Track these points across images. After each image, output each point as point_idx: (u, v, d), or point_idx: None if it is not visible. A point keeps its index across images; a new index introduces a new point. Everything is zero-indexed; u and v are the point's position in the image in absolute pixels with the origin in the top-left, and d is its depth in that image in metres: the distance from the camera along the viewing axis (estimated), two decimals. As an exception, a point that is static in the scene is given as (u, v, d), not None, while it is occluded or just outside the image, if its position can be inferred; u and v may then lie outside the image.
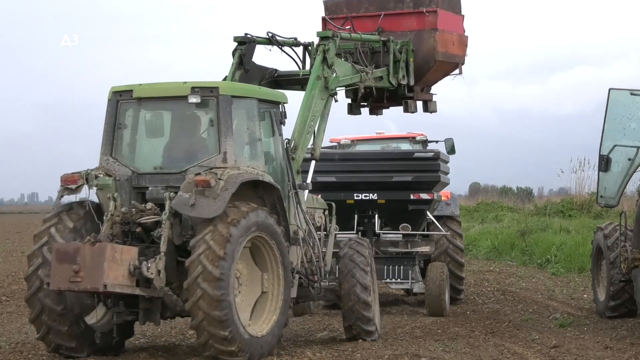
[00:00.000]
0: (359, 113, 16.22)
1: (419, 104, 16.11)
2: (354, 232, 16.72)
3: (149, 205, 11.96)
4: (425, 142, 19.16)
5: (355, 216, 16.87)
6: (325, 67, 13.80)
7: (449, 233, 17.79)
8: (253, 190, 12.15)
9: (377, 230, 16.75)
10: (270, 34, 14.33)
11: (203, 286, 11.18)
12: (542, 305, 17.73)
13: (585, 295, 18.82)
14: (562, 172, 35.25)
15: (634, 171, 15.21)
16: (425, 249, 17.17)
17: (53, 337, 11.87)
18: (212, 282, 11.18)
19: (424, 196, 16.61)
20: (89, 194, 12.13)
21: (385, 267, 16.66)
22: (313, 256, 13.37)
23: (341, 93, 15.22)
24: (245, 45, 14.14)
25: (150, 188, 12.06)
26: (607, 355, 12.67)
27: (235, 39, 14.18)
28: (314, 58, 13.98)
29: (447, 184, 17.73)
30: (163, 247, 11.54)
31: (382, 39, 15.39)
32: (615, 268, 15.36)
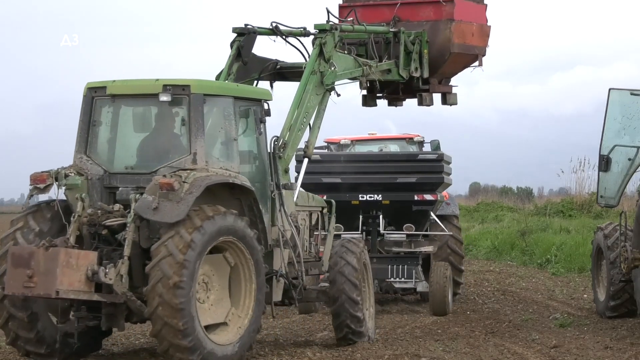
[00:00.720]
0: (374, 105, 15.88)
1: (437, 96, 15.70)
2: (359, 232, 16.89)
3: (117, 206, 11.47)
4: (421, 143, 19.33)
5: (360, 216, 17.03)
6: (322, 61, 13.42)
7: (451, 233, 17.93)
8: (229, 191, 11.75)
9: (381, 230, 16.88)
10: (274, 24, 13.89)
11: (162, 293, 10.69)
12: (542, 305, 17.73)
13: (585, 295, 18.82)
14: (562, 172, 35.28)
15: (634, 171, 15.21)
16: (428, 248, 17.43)
17: (22, 343, 11.54)
18: (171, 289, 10.68)
19: (428, 197, 16.94)
20: (57, 193, 11.69)
21: (390, 266, 16.84)
22: (294, 259, 12.85)
23: (354, 85, 14.86)
24: (244, 36, 13.75)
25: (120, 188, 11.61)
26: (607, 355, 12.67)
27: (234, 30, 13.81)
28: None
29: (450, 184, 17.95)
30: (127, 250, 11.06)
31: (391, 29, 14.95)
32: (615, 268, 15.36)
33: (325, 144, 20.11)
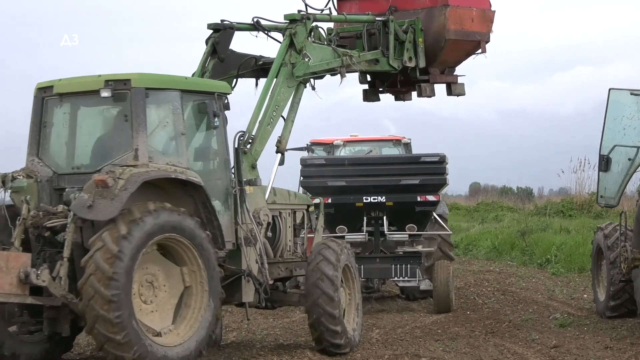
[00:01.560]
0: (377, 99, 15.28)
1: (441, 87, 15.00)
2: (363, 233, 17.22)
3: (61, 207, 11.16)
4: (408, 145, 19.75)
5: (364, 218, 17.27)
6: (293, 52, 12.93)
7: (452, 232, 18.27)
8: (182, 189, 11.37)
9: (385, 231, 17.16)
10: (255, 19, 13.38)
11: (95, 286, 10.32)
12: (542, 305, 17.73)
13: (585, 295, 18.82)
14: (563, 172, 35.27)
15: (634, 171, 15.20)
16: (429, 248, 17.79)
17: None
18: (104, 281, 10.30)
19: (431, 198, 17.18)
20: (4, 197, 11.47)
21: (393, 265, 17.12)
22: (258, 259, 12.25)
23: (352, 79, 14.47)
24: (219, 32, 13.27)
25: (67, 189, 11.30)
26: (607, 355, 12.67)
27: (209, 26, 13.32)
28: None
29: (448, 185, 18.21)
30: (66, 252, 10.74)
31: (378, 19, 14.31)
32: (615, 268, 15.35)
33: (307, 145, 20.48)
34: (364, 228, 17.25)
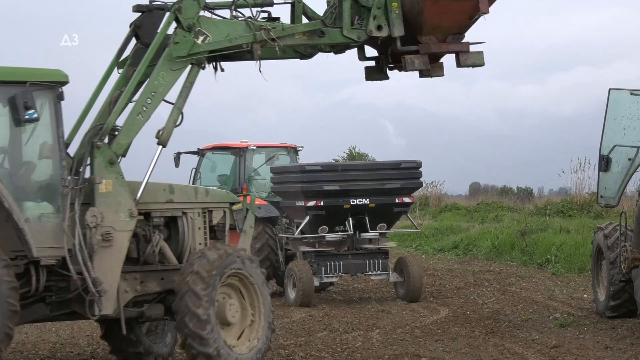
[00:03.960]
0: (382, 78, 12.83)
1: (448, 60, 12.58)
2: (350, 231, 18.65)
3: None
4: (296, 151, 21.39)
5: (350, 219, 18.63)
6: (181, 30, 11.25)
7: (419, 230, 20.69)
8: None
9: (368, 230, 18.68)
10: None
11: None
12: (542, 305, 17.73)
13: (585, 295, 18.82)
14: (563, 172, 35.25)
15: (634, 171, 15.19)
16: (392, 244, 20.10)
17: None
18: None
19: (406, 199, 19.01)
20: None
21: (367, 261, 18.82)
22: (84, 269, 10.54)
23: (350, 56, 12.44)
24: (143, 14, 11.64)
25: None
26: (607, 355, 12.67)
27: (134, 8, 11.67)
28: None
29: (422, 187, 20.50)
30: None
31: None
32: (615, 268, 15.35)
33: (198, 149, 21.73)
34: (349, 227, 18.61)
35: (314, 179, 18.41)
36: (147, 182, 11.17)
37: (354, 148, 53.43)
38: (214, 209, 12.03)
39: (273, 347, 13.51)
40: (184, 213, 11.68)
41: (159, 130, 11.16)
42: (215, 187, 18.63)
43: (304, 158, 21.36)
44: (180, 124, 11.31)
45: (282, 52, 12.04)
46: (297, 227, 18.60)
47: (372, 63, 12.74)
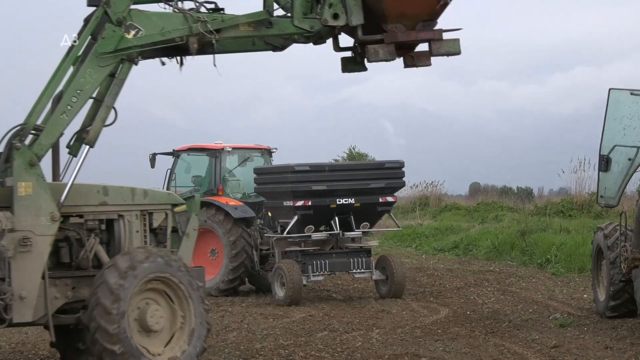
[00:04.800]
0: (360, 70, 11.89)
1: (419, 51, 11.60)
2: (337, 231, 18.98)
3: None
4: (270, 153, 21.81)
5: (336, 217, 19.00)
6: (110, 25, 10.66)
7: (401, 228, 21.25)
8: None
9: (354, 229, 19.15)
10: None
11: None
12: (542, 305, 17.73)
13: (585, 295, 18.82)
14: (563, 172, 35.25)
15: (634, 171, 15.19)
16: (374, 243, 20.54)
17: None
18: None
19: (389, 199, 19.43)
20: None
21: (350, 260, 19.18)
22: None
23: (325, 49, 11.41)
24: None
25: None
26: (607, 355, 12.67)
27: (88, 2, 11.00)
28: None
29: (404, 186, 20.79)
30: None
31: None
32: (615, 268, 15.35)
33: (174, 150, 21.96)
34: (335, 226, 18.96)
35: (303, 179, 18.77)
36: (77, 184, 10.74)
37: (354, 148, 53.52)
38: (155, 211, 11.50)
39: (273, 347, 13.53)
40: (120, 216, 11.25)
41: (85, 130, 10.73)
42: (185, 188, 18.96)
43: (300, 158, 21.69)
44: (113, 123, 10.83)
45: (251, 45, 11.45)
46: (285, 227, 18.92)
47: (349, 54, 11.81)
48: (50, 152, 10.84)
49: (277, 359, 12.60)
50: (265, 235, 20.04)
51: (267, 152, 21.79)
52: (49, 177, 10.89)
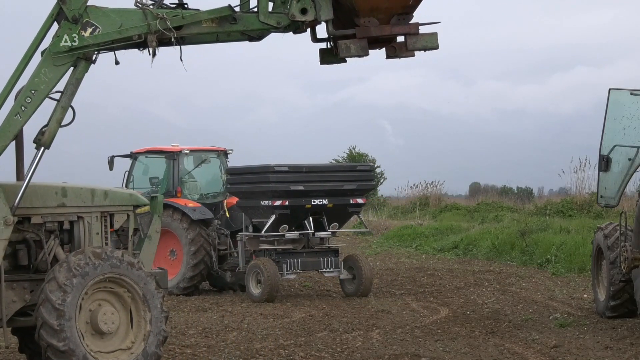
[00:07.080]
0: (339, 61, 11.24)
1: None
2: (311, 230, 19.46)
3: None
4: (226, 154, 22.28)
5: (310, 218, 19.51)
6: (66, 22, 10.28)
7: (369, 229, 22.54)
8: None
9: (327, 229, 19.66)
10: None
11: None
12: (542, 305, 17.73)
13: (585, 295, 18.82)
14: (563, 172, 35.26)
15: (634, 171, 15.19)
16: (341, 244, 21.72)
17: None
18: None
19: (359, 200, 20.06)
20: None
21: (321, 259, 19.78)
22: None
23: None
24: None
25: None
26: (607, 355, 12.67)
27: None
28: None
29: (375, 188, 22.38)
30: None
31: None
32: (615, 268, 15.36)
33: (131, 152, 22.23)
34: (308, 226, 19.42)
35: (282, 179, 19.24)
36: (36, 185, 10.54)
37: (354, 148, 53.56)
38: (116, 213, 11.23)
39: (273, 348, 13.52)
40: (80, 217, 11.00)
41: (41, 131, 10.37)
42: (141, 189, 19.08)
43: (300, 158, 21.97)
44: (70, 123, 10.51)
45: (215, 39, 10.94)
46: (259, 227, 19.52)
47: (326, 45, 11.26)
48: (13, 151, 10.65)
49: (277, 359, 12.60)
50: (240, 234, 20.34)
51: (224, 154, 22.21)
52: (12, 177, 10.76)
